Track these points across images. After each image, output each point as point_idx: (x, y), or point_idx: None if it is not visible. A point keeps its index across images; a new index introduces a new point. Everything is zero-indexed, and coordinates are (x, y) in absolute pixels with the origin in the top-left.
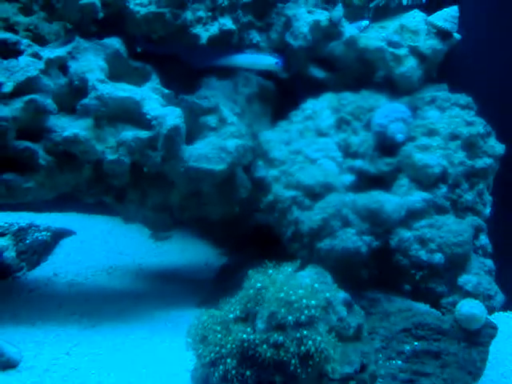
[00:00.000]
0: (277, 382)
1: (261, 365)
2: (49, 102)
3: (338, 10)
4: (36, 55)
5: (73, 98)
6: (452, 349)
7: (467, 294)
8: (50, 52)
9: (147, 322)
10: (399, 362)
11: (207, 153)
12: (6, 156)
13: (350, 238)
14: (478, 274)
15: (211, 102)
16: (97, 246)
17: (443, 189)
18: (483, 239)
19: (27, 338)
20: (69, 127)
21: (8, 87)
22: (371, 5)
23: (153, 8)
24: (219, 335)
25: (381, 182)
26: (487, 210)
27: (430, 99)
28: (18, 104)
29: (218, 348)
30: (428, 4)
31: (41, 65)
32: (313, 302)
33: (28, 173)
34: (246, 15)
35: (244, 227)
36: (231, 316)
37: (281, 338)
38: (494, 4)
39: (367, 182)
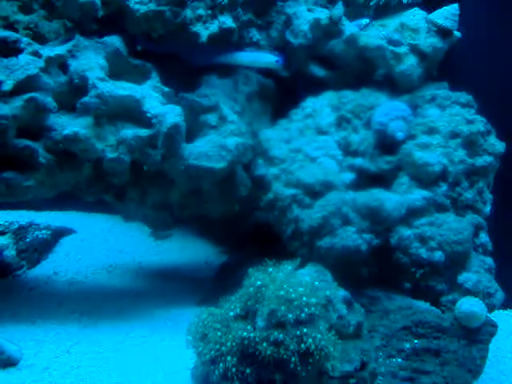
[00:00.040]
0: (277, 379)
1: (261, 363)
2: (49, 101)
3: (339, 8)
4: (36, 53)
5: (73, 96)
6: (452, 347)
7: (467, 292)
8: (50, 50)
9: (147, 321)
10: (399, 360)
11: (207, 151)
12: (6, 154)
13: (350, 236)
14: (477, 272)
15: (211, 101)
16: (97, 244)
17: (443, 187)
18: (483, 237)
19: (27, 336)
20: (69, 125)
21: (8, 85)
22: (371, 3)
23: (153, 6)
24: (219, 333)
25: (381, 180)
26: (487, 208)
27: (431, 97)
28: (18, 102)
29: (218, 346)
30: (428, 2)
31: (41, 63)
32: (313, 299)
33: (28, 171)
34: (246, 13)
35: (244, 225)
36: (231, 314)
37: (281, 336)
38: (495, 2)
39: (367, 180)
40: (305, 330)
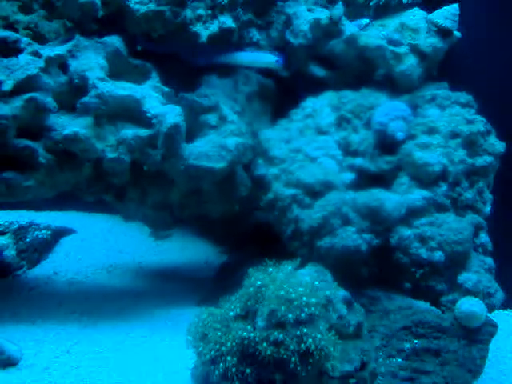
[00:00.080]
0: (277, 379)
1: (261, 363)
2: (49, 101)
3: (339, 9)
4: (36, 53)
5: (73, 96)
6: (452, 347)
7: (467, 292)
8: (50, 50)
9: (147, 321)
10: (399, 360)
11: (207, 151)
12: (6, 154)
13: (350, 236)
14: (477, 272)
15: (211, 101)
16: (97, 244)
17: (443, 187)
18: (483, 237)
19: (27, 336)
20: (69, 125)
21: (8, 85)
22: (371, 3)
23: (153, 6)
24: (219, 333)
25: (381, 180)
26: (487, 208)
27: (431, 97)
28: (18, 102)
29: (218, 346)
30: (428, 2)
31: (41, 63)
32: (313, 299)
33: (28, 171)
34: (246, 13)
35: (244, 225)
36: (231, 314)
37: (281, 336)
38: (495, 2)
39: (367, 180)
40: (305, 330)
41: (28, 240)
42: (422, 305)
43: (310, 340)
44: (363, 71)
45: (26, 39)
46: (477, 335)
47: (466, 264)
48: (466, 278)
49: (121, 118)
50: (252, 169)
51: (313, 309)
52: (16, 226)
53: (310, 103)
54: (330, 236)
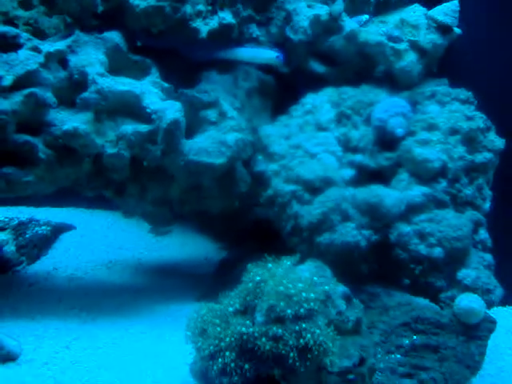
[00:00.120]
0: (275, 374)
1: (260, 358)
2: (48, 96)
3: (339, 4)
4: (36, 49)
5: (72, 91)
6: (450, 343)
7: (466, 289)
8: (50, 46)
9: (147, 316)
10: (398, 356)
11: (207, 147)
12: (5, 150)
13: (350, 233)
14: (477, 269)
15: (211, 96)
16: (96, 240)
17: (443, 183)
18: (483, 234)
19: (27, 331)
20: (68, 121)
21: (7, 80)
22: None
23: (152, 2)
24: (218, 328)
25: (381, 176)
26: (487, 205)
27: (430, 94)
28: (17, 97)
29: (217, 341)
30: None
31: (40, 58)
32: (312, 295)
33: (28, 167)
34: (245, 9)
35: (244, 221)
36: (230, 309)
37: (280, 331)
38: None
39: (367, 176)
40: (304, 326)
41: (28, 236)
42: (421, 301)
43: (309, 335)
44: (363, 67)
45: (25, 34)
46: (475, 331)
47: (465, 260)
48: (465, 274)
49: (120, 114)
50: (252, 165)
51: (312, 304)
52: (16, 221)
53: (310, 99)
54: (330, 232)
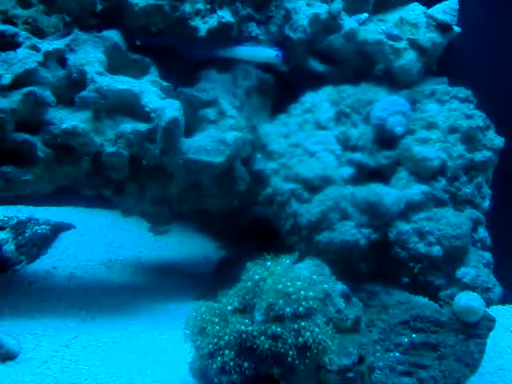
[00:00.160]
0: (275, 373)
1: (259, 356)
2: (47, 95)
3: (338, 3)
4: (34, 47)
5: (71, 90)
6: (450, 341)
7: (465, 287)
8: (49, 44)
9: (146, 315)
10: (397, 354)
11: (206, 145)
12: (4, 148)
13: (349, 231)
14: (476, 267)
15: (210, 95)
16: (96, 239)
17: (442, 182)
18: (482, 232)
19: (26, 330)
20: (67, 119)
21: (6, 79)
22: None
23: (151, 0)
24: (217, 327)
25: (380, 174)
26: (486, 203)
27: (430, 92)
28: (16, 96)
29: (216, 340)
30: None
31: (39, 57)
32: (311, 293)
33: (27, 165)
34: (245, 8)
35: (243, 220)
36: (229, 308)
37: (279, 330)
38: None
39: (366, 174)
40: (303, 324)
41: (27, 235)
42: (421, 299)
43: (308, 334)
44: (362, 66)
45: (24, 33)
46: (475, 330)
47: (465, 259)
48: (465, 272)
49: (119, 112)
50: (251, 163)
51: (311, 302)
52: (15, 220)
53: (309, 98)
54: (329, 231)
